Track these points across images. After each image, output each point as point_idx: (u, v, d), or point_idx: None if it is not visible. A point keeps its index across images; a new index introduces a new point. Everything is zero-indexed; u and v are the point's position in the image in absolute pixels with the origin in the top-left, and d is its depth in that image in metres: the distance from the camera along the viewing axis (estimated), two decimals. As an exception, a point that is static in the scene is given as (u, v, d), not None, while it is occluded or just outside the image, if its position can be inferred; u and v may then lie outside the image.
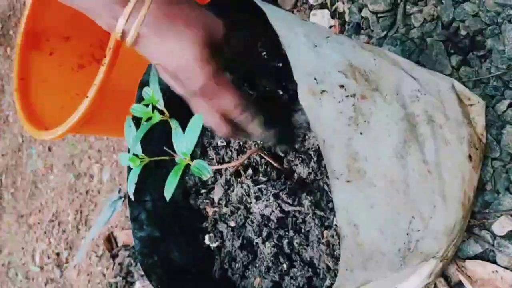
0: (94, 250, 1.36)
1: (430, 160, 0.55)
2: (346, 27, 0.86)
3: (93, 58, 1.11)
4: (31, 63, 1.00)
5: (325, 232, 0.57)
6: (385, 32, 0.78)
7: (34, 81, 0.99)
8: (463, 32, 0.70)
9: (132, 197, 0.61)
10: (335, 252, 0.55)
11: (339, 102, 0.49)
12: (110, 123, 0.89)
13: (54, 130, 0.82)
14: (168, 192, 0.56)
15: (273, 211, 0.60)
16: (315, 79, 0.49)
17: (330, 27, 0.88)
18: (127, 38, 0.51)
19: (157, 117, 0.58)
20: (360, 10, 0.83)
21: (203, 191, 0.73)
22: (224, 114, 0.55)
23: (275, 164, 0.64)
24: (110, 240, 1.26)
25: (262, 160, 0.66)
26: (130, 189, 0.61)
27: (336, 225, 0.56)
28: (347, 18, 0.86)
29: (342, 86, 0.51)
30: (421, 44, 0.74)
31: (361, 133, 0.49)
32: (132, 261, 1.15)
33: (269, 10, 0.51)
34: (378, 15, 0.79)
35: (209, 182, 0.73)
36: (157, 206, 0.74)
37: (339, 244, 0.54)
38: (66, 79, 1.05)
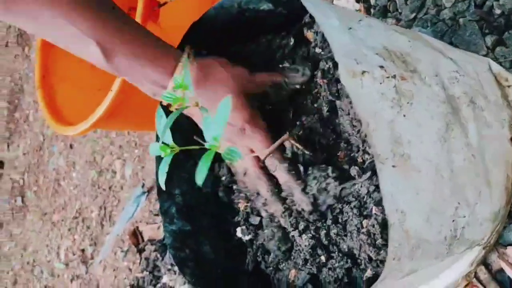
0: (119, 245, 1.36)
1: (473, 144, 0.53)
2: (372, 11, 0.84)
3: (113, 52, 1.10)
4: (51, 60, 0.99)
5: (364, 222, 0.55)
6: (414, 14, 0.76)
7: (56, 78, 0.99)
8: (497, 11, 0.67)
9: (163, 187, 0.60)
10: (376, 242, 0.53)
11: (380, 83, 0.48)
12: (134, 116, 0.88)
13: (79, 125, 0.82)
14: (200, 177, 0.54)
15: (327, 190, 0.58)
16: (355, 59, 0.48)
17: (356, 11, 0.86)
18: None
19: (186, 103, 0.57)
20: (387, -7, 0.80)
21: (235, 187, 0.72)
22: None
23: (307, 152, 0.62)
24: (135, 234, 1.26)
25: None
26: (161, 179, 0.60)
27: (375, 213, 0.54)
28: (372, 2, 0.83)
29: (381, 67, 0.49)
30: (454, 25, 0.72)
31: (404, 115, 0.48)
32: (158, 256, 1.15)
33: None
34: (407, -3, 0.77)
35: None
36: (187, 200, 0.73)
37: (381, 234, 0.53)
38: (87, 75, 1.05)
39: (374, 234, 0.53)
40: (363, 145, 0.59)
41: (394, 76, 0.50)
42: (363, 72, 0.48)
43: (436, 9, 0.73)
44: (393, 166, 0.45)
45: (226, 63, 0.62)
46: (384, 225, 0.53)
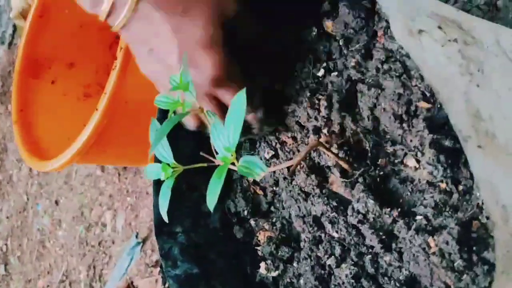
0: (112, 307, 1.19)
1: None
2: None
3: (100, 86, 1.00)
4: (31, 93, 0.89)
5: (431, 240, 0.42)
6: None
7: (36, 112, 0.88)
8: (547, -16, 0.58)
9: (166, 218, 0.47)
10: (455, 264, 0.40)
11: (442, 46, 0.37)
12: (124, 144, 0.77)
13: (62, 156, 0.69)
14: (211, 200, 0.42)
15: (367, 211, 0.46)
16: (409, 17, 0.38)
17: None
18: (118, 16, 0.41)
19: (187, 105, 0.46)
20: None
21: (252, 220, 0.60)
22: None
23: (341, 163, 0.50)
24: (130, 291, 1.10)
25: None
26: (163, 208, 0.47)
27: (446, 226, 0.42)
28: None
29: (440, 27, 0.39)
30: (490, 10, 0.63)
31: (477, 85, 0.37)
32: (158, 314, 0.99)
33: None
34: (432, -12, 0.68)
35: (264, 206, 0.60)
36: (192, 238, 0.62)
37: (459, 252, 0.40)
38: (71, 109, 0.94)
39: (450, 254, 0.40)
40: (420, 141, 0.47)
41: (456, 40, 0.40)
42: (420, 31, 0.38)
43: (469, -5, 0.65)
44: (479, 147, 0.33)
45: None
46: (462, 240, 0.40)
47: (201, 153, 0.48)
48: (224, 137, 0.42)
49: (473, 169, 0.32)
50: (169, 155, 0.47)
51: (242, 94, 0.41)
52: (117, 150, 0.78)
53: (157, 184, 0.59)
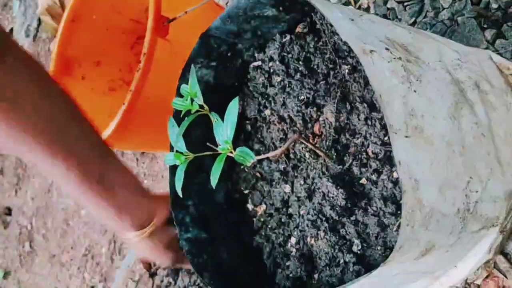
0: (130, 276, 1.34)
1: (482, 123, 0.55)
2: (372, 22, 0.87)
3: (123, 81, 1.14)
4: (64, 88, 1.02)
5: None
6: (413, 19, 0.79)
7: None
8: (494, 6, 0.70)
9: (180, 194, 0.61)
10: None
11: (389, 62, 0.49)
12: (146, 133, 0.90)
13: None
14: (214, 179, 0.56)
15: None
16: (362, 41, 0.50)
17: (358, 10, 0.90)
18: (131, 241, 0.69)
19: (195, 107, 0.59)
20: (385, 2, 0.84)
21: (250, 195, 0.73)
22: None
23: (318, 152, 0.63)
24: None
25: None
26: (178, 186, 0.61)
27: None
28: (372, 12, 0.87)
29: (387, 49, 0.51)
30: (452, 25, 0.74)
31: (415, 91, 0.49)
32: (171, 280, 1.13)
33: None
34: (405, 4, 0.80)
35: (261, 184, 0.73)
36: (200, 210, 0.75)
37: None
38: (98, 102, 1.07)
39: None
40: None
41: (400, 58, 0.52)
42: (371, 51, 0.49)
43: (435, 11, 0.77)
44: (406, 137, 0.46)
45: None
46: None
47: (207, 144, 0.62)
48: (223, 133, 0.56)
49: (396, 154, 0.44)
50: (182, 146, 0.61)
51: (236, 101, 0.54)
52: (138, 138, 0.92)
53: (173, 167, 0.72)
